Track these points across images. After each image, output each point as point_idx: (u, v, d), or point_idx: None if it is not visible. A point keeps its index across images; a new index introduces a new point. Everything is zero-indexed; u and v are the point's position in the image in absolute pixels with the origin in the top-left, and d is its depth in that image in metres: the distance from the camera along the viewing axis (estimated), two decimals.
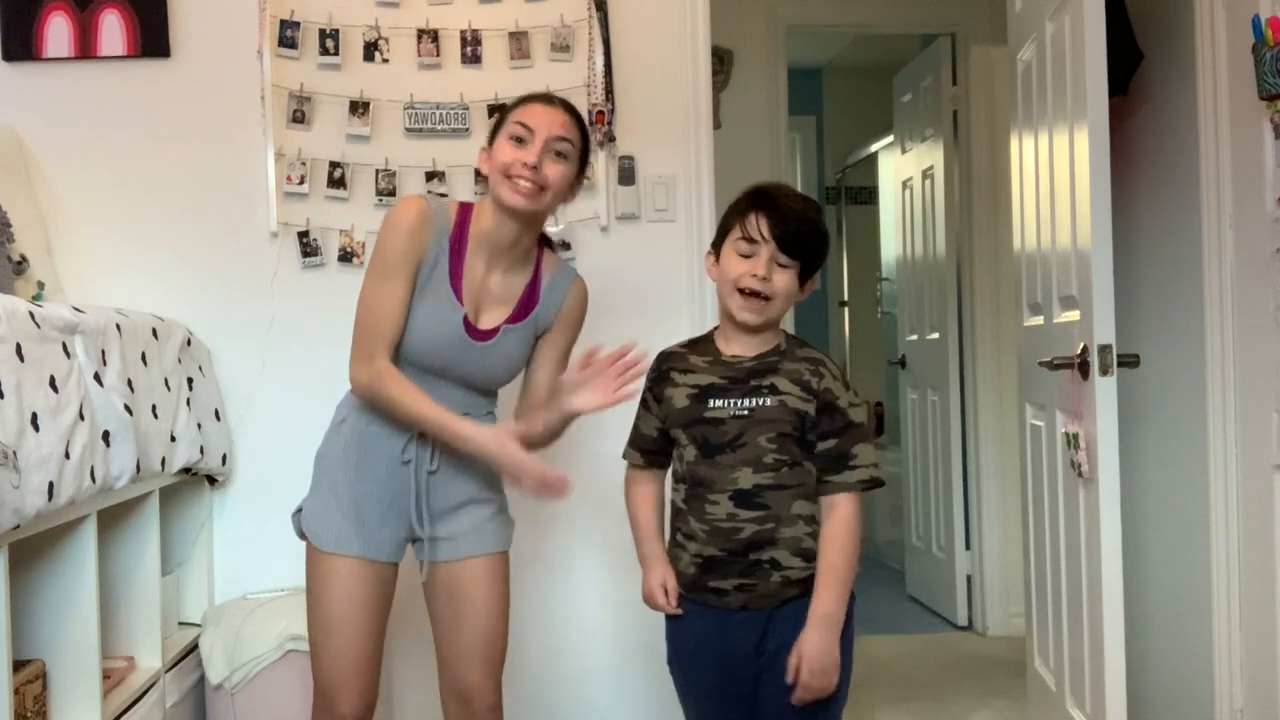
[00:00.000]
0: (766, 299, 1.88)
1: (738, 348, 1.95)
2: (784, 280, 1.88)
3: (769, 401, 1.88)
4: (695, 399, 1.92)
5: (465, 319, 2.03)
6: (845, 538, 1.88)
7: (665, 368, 2.00)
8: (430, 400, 1.99)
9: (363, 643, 2.04)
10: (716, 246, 1.97)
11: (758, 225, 1.87)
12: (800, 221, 1.88)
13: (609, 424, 2.18)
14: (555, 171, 2.01)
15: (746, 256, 1.89)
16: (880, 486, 1.94)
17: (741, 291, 1.89)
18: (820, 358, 1.95)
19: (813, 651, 1.84)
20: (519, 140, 2.00)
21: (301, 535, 2.08)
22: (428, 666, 2.19)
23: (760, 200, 1.90)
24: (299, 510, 2.09)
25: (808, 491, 1.89)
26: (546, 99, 2.09)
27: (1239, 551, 2.53)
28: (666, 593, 1.96)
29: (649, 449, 2.01)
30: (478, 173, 2.17)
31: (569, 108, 2.08)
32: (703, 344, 2.01)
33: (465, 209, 2.09)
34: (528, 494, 1.97)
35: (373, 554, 2.04)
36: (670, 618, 1.99)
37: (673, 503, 1.98)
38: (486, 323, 2.07)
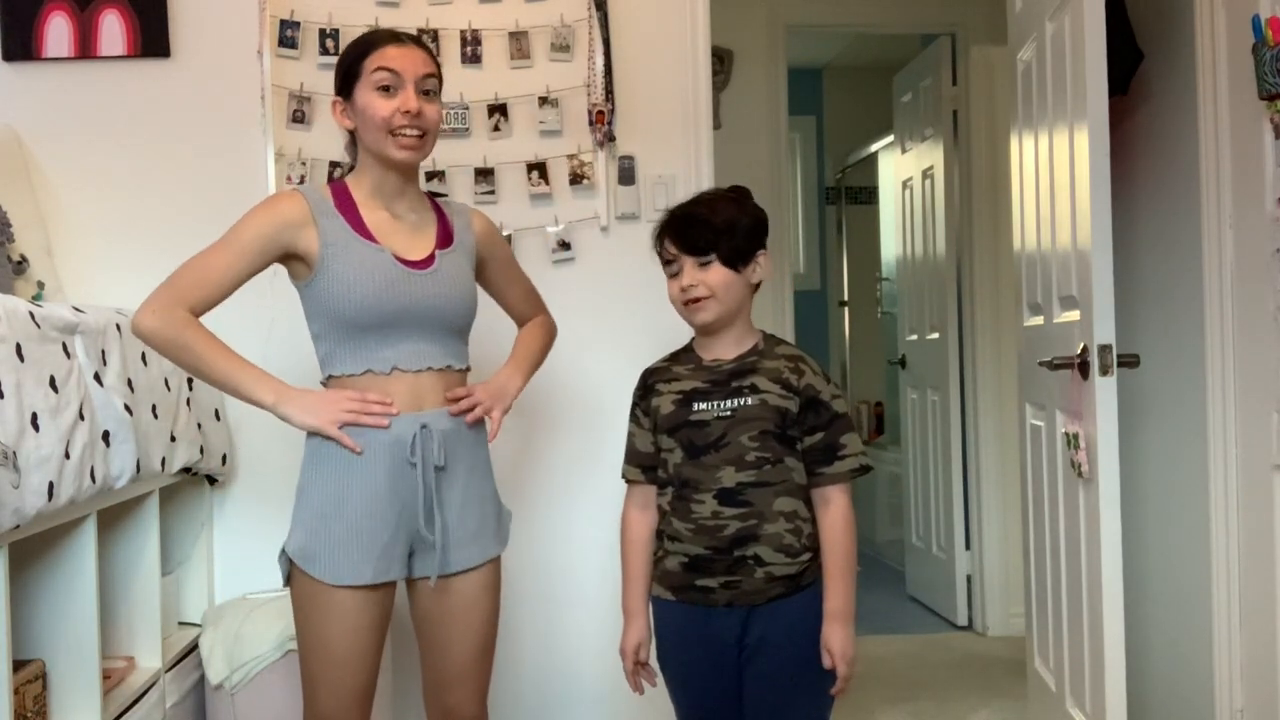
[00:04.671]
0: (706, 298, 1.94)
1: (717, 352, 2.00)
2: (714, 276, 1.94)
3: (750, 401, 1.93)
4: (680, 404, 1.97)
5: (394, 255, 1.95)
6: (846, 532, 1.94)
7: (650, 382, 2.05)
8: (228, 350, 1.90)
9: (365, 672, 1.94)
10: None
11: (666, 246, 1.98)
12: (702, 223, 1.94)
13: (613, 435, 2.18)
14: (432, 112, 1.97)
15: (674, 275, 1.98)
16: (869, 472, 1.99)
17: (685, 305, 1.97)
18: (798, 354, 2.00)
19: (843, 645, 1.92)
20: (387, 89, 1.93)
21: (287, 580, 1.96)
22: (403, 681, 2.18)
23: (665, 223, 2.00)
24: (283, 553, 1.95)
25: (790, 488, 1.93)
26: (395, 37, 2.00)
27: (1239, 551, 2.53)
28: (640, 660, 2.03)
29: (646, 464, 2.04)
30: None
31: (419, 42, 2.03)
32: (683, 354, 2.06)
33: (338, 182, 2.04)
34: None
35: (381, 577, 1.92)
36: (657, 612, 2.02)
37: (659, 507, 2.01)
38: (416, 254, 1.99)
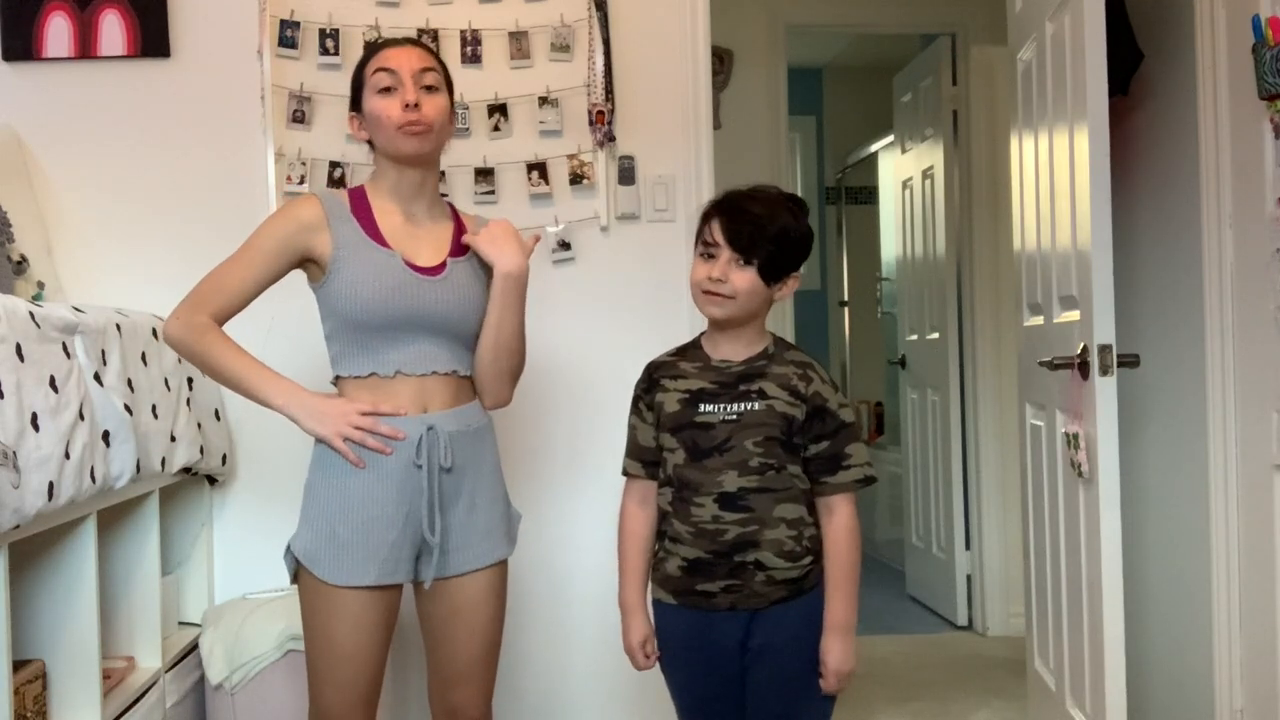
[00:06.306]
0: (728, 296, 1.91)
1: (726, 351, 1.97)
2: (743, 280, 1.90)
3: (757, 405, 1.91)
4: (686, 404, 1.94)
5: (405, 261, 1.97)
6: (848, 543, 1.92)
7: (656, 376, 2.01)
8: (246, 356, 1.95)
9: (371, 671, 1.95)
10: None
11: (713, 231, 1.92)
12: (756, 225, 1.90)
13: (616, 435, 2.17)
14: (433, 106, 1.98)
15: (707, 260, 1.93)
16: (873, 483, 1.97)
17: (704, 293, 1.93)
18: (808, 361, 1.97)
19: (839, 659, 1.91)
20: (388, 89, 1.97)
21: (294, 577, 1.97)
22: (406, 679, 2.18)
23: (719, 206, 1.95)
24: (289, 550, 1.97)
25: (792, 495, 1.91)
26: (392, 41, 2.07)
27: (1239, 551, 2.53)
28: (646, 654, 2.01)
29: (648, 459, 2.02)
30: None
31: (417, 42, 2.08)
32: (691, 350, 2.03)
33: (356, 188, 2.07)
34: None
35: (385, 579, 1.93)
36: (659, 616, 2.01)
37: (659, 506, 2.00)
38: (428, 261, 2.01)
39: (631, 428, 2.04)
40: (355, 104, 2.05)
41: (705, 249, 1.93)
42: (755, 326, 1.98)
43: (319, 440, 1.96)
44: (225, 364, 1.95)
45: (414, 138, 1.97)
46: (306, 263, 2.00)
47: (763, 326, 2.00)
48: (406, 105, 1.95)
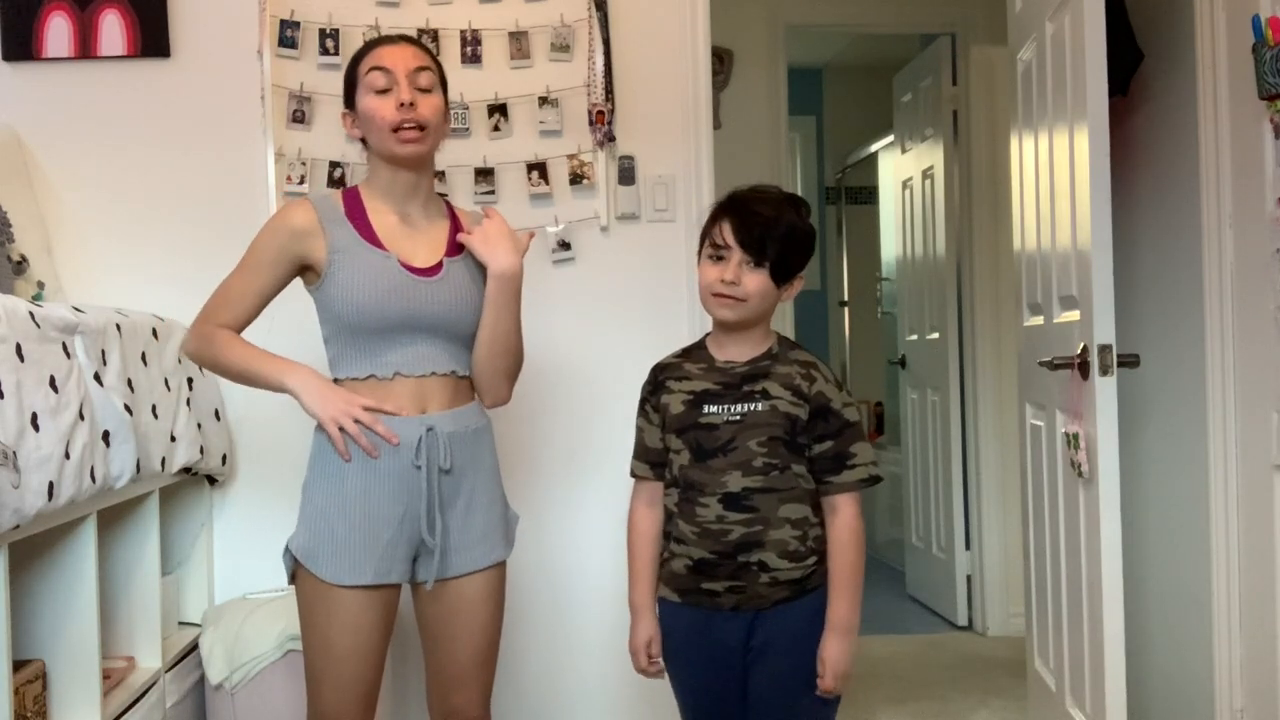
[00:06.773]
0: (740, 299, 1.91)
1: (730, 353, 1.97)
2: (755, 281, 1.91)
3: (760, 406, 1.91)
4: (690, 405, 1.95)
5: (400, 262, 1.97)
6: (851, 542, 1.92)
7: (661, 378, 2.02)
8: (256, 348, 1.98)
9: (368, 671, 1.94)
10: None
11: (723, 232, 1.92)
12: (765, 226, 1.90)
13: (615, 436, 2.17)
14: (429, 106, 1.97)
15: (717, 262, 1.92)
16: (879, 482, 1.97)
17: (715, 295, 1.93)
18: (812, 360, 1.97)
19: (836, 658, 1.91)
20: (383, 90, 1.95)
21: (292, 577, 1.97)
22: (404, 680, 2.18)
23: (727, 208, 1.94)
24: (287, 550, 1.97)
25: (797, 495, 1.91)
26: (388, 39, 2.06)
27: (1239, 551, 2.53)
28: (650, 656, 2.01)
29: (655, 461, 2.02)
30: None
31: (412, 40, 2.07)
32: (696, 351, 2.03)
33: (351, 188, 2.06)
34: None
35: (384, 578, 1.93)
36: (664, 613, 2.01)
37: (665, 507, 2.00)
38: (424, 261, 2.00)
39: (639, 430, 2.05)
40: (349, 101, 2.03)
41: (715, 251, 1.93)
42: (761, 328, 1.98)
43: (318, 426, 1.96)
44: (235, 359, 1.97)
45: (409, 144, 1.95)
46: (304, 268, 2.00)
47: (768, 327, 2.00)
48: (401, 105, 1.94)
